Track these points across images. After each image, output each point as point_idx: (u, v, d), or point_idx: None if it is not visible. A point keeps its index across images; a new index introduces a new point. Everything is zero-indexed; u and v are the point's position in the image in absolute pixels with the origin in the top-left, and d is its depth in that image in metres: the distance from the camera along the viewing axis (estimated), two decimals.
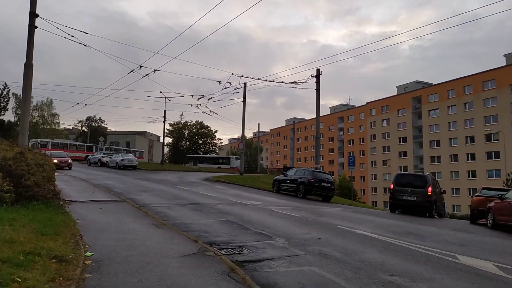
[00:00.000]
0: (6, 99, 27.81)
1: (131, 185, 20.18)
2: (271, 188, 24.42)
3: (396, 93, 79.58)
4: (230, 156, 72.79)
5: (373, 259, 7.16)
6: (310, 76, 27.18)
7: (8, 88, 27.88)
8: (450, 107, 66.15)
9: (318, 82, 27.31)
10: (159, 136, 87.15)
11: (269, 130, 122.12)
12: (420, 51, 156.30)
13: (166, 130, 54.47)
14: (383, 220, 13.80)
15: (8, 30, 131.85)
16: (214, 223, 10.40)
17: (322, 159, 75.70)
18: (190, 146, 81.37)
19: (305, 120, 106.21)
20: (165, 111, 48.90)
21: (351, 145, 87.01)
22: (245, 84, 34.01)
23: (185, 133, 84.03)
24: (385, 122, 78.77)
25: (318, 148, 28.22)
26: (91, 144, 56.82)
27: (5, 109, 28.03)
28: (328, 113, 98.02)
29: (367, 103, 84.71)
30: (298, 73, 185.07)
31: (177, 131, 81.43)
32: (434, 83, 72.91)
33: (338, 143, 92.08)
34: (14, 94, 51.49)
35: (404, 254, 7.83)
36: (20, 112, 22.68)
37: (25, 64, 16.08)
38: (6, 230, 6.30)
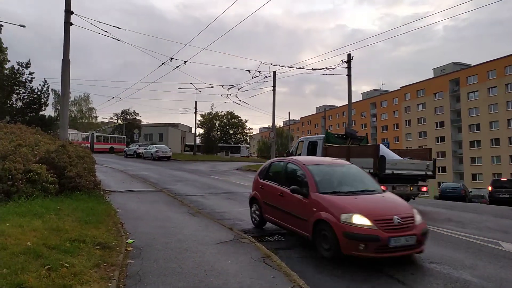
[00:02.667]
0: (46, 95, 28.85)
1: (166, 176, 20.71)
2: None
3: (432, 76, 76.50)
4: (240, 144, 73.69)
5: None
6: (341, 62, 26.54)
7: (47, 84, 28.93)
8: (490, 89, 62.83)
9: (349, 68, 26.66)
10: (191, 127, 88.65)
11: (299, 118, 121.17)
12: (455, 32, 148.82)
13: (197, 121, 55.29)
14: (421, 207, 13.42)
15: (44, 28, 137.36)
16: (248, 211, 10.49)
17: None
18: (221, 136, 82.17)
19: (336, 107, 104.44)
20: (196, 102, 49.55)
21: (385, 131, 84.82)
22: (274, 72, 33.76)
23: (216, 124, 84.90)
24: (420, 106, 76.03)
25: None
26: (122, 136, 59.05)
27: (45, 104, 29.17)
28: (360, 99, 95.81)
29: (401, 87, 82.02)
30: (327, 60, 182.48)
31: (208, 121, 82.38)
32: (472, 64, 69.43)
33: (371, 129, 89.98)
34: (53, 90, 53.71)
35: (443, 241, 7.61)
36: (59, 107, 23.64)
37: (62, 60, 16.73)
38: (53, 219, 6.67)
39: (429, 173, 12.14)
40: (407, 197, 11.54)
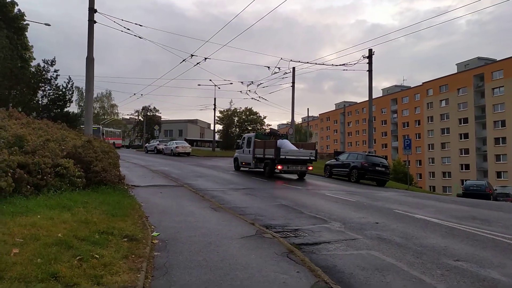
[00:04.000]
0: (70, 92, 29.62)
1: (186, 171, 20.97)
2: (323, 173, 24.19)
3: (456, 71, 74.55)
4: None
5: (435, 244, 6.91)
6: (362, 57, 26.22)
7: (72, 81, 29.71)
8: None
9: (370, 63, 26.31)
10: (210, 124, 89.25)
11: (318, 115, 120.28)
12: (479, 26, 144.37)
13: (216, 117, 55.56)
14: (444, 205, 13.18)
15: (67, 28, 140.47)
16: (268, 206, 10.57)
17: (375, 143, 73.30)
18: (240, 132, 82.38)
19: (356, 103, 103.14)
20: (215, 99, 49.98)
21: (406, 127, 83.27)
22: (293, 68, 33.63)
23: (235, 120, 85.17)
24: (443, 102, 74.26)
25: (371, 132, 27.36)
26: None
27: (70, 101, 29.93)
28: (380, 95, 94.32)
29: (423, 83, 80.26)
30: (347, 56, 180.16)
31: (227, 118, 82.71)
32: (497, 59, 67.25)
33: (392, 126, 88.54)
34: (77, 87, 55.11)
35: (469, 239, 7.46)
36: (83, 104, 24.34)
37: (86, 57, 17.15)
38: (81, 212, 6.88)
39: (312, 158, 19.40)
40: (300, 173, 19.73)
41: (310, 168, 19.83)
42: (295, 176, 20.57)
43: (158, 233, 6.48)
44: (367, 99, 27.77)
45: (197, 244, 5.94)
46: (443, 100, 74.24)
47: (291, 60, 29.98)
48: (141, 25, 19.44)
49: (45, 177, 8.42)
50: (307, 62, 29.17)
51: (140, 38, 19.77)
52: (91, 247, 4.91)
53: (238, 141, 25.75)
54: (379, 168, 20.91)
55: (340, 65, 27.27)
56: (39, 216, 6.08)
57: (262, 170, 20.18)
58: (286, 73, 31.41)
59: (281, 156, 18.31)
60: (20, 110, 17.51)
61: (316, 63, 29.84)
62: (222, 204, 10.40)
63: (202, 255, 5.37)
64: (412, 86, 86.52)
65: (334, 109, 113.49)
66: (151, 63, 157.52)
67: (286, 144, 19.61)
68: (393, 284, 4.80)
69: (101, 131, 42.70)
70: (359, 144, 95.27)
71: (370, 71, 26.35)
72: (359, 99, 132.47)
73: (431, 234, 7.80)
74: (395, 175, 47.23)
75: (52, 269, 3.89)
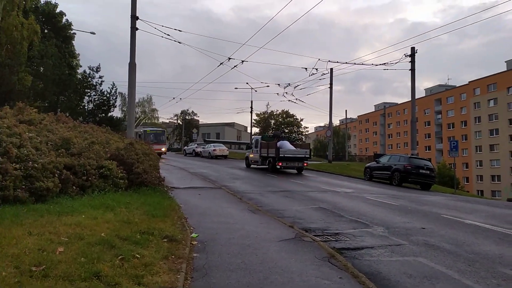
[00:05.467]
0: (114, 97, 30.98)
1: (224, 173, 21.12)
2: (362, 176, 23.50)
3: (505, 69, 70.25)
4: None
5: (489, 251, 6.42)
6: (404, 56, 25.30)
7: (115, 87, 31.11)
8: None
9: (413, 62, 25.31)
10: (246, 127, 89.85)
11: (356, 117, 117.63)
12: None
13: (253, 120, 55.83)
14: (496, 210, 12.34)
15: (110, 36, 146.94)
16: (307, 209, 10.36)
17: (418, 145, 70.53)
18: (283, 135, 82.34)
19: (396, 104, 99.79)
20: (251, 102, 50.34)
21: (451, 129, 79.45)
22: (331, 69, 33.06)
23: (272, 123, 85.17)
24: (492, 102, 70.14)
25: (413, 133, 26.30)
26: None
27: (113, 106, 31.29)
28: (423, 95, 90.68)
29: (469, 82, 76.31)
30: (386, 55, 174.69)
31: (263, 120, 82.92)
32: None
33: (436, 127, 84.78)
34: (120, 93, 57.40)
35: None
36: (126, 108, 25.28)
37: (129, 63, 17.73)
38: (123, 212, 7.03)
39: (307, 156, 22.82)
40: (297, 168, 23.06)
41: (306, 164, 23.36)
42: (332, 179, 20.16)
43: (197, 235, 6.48)
44: (409, 99, 26.76)
45: (235, 246, 5.87)
46: (491, 99, 70.11)
47: (328, 61, 29.45)
48: (180, 31, 19.98)
49: (89, 178, 8.72)
50: (346, 63, 28.62)
51: (179, 43, 20.29)
52: (132, 247, 4.97)
53: (243, 142, 29.47)
54: (423, 171, 19.98)
55: (380, 64, 26.51)
56: (83, 216, 6.27)
57: (267, 166, 23.71)
58: (324, 74, 30.93)
59: (280, 155, 21.77)
60: (67, 115, 18.42)
61: (355, 63, 29.02)
62: (260, 207, 10.31)
63: (241, 257, 5.29)
64: (457, 86, 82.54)
65: (374, 110, 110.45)
66: (189, 68, 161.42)
67: (285, 145, 22.88)
68: None
69: (165, 135, 41.01)
70: (400, 146, 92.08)
71: (412, 70, 25.36)
72: (399, 100, 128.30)
73: (484, 240, 7.28)
74: (440, 178, 45.05)
75: (94, 268, 3.95)
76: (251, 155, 25.87)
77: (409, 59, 25.32)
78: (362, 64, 28.11)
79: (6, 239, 4.39)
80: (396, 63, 25.70)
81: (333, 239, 7.07)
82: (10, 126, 8.18)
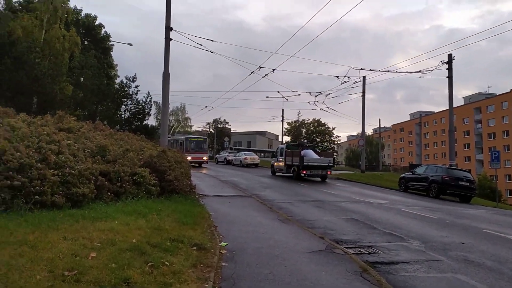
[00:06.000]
0: (149, 106, 31.88)
1: (254, 182, 21.10)
2: (397, 187, 22.76)
3: None
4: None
5: None
6: (441, 63, 24.43)
7: (150, 96, 32.03)
8: None
9: (450, 69, 24.39)
10: (278, 135, 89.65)
11: (390, 126, 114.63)
12: None
13: (284, 129, 55.66)
14: None
15: (145, 47, 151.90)
16: (338, 220, 10.11)
17: (456, 155, 67.61)
18: (313, 144, 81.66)
19: (433, 113, 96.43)
20: (283, 110, 50.04)
21: (492, 139, 75.68)
22: (364, 77, 32.44)
23: (303, 131, 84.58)
24: None
25: (452, 143, 25.20)
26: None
27: (148, 114, 32.19)
28: (462, 103, 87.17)
29: (511, 90, 72.67)
30: (420, 63, 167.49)
31: (294, 129, 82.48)
32: None
33: (475, 137, 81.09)
34: (155, 102, 59.06)
35: None
36: (160, 117, 25.98)
37: (163, 73, 18.18)
38: (155, 219, 7.12)
39: (331, 164, 23.89)
40: (321, 176, 23.71)
41: (329, 172, 23.97)
42: (365, 189, 19.67)
43: (226, 243, 6.46)
44: (445, 108, 25.99)
45: (264, 256, 5.79)
46: None
47: (361, 69, 28.89)
48: (212, 40, 20.23)
49: (123, 185, 8.93)
50: (379, 70, 27.84)
51: (212, 52, 20.52)
52: (162, 254, 5.00)
53: (269, 150, 30.86)
54: (463, 183, 19.07)
55: (416, 72, 25.74)
56: (116, 222, 6.39)
57: (291, 174, 24.07)
58: (356, 82, 30.41)
59: (304, 163, 22.38)
60: (105, 123, 19.08)
61: (388, 71, 28.29)
62: (290, 216, 10.18)
63: (270, 268, 5.20)
64: (498, 94, 78.75)
65: (409, 119, 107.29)
66: (221, 78, 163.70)
67: (309, 154, 23.37)
68: None
69: (206, 143, 37.89)
70: (438, 156, 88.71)
71: (450, 77, 24.44)
72: (435, 109, 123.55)
73: None
74: (480, 191, 42.90)
75: (124, 274, 3.99)
76: (276, 163, 26.88)
77: (446, 66, 24.43)
78: (396, 71, 27.53)
79: (42, 243, 4.54)
80: (432, 70, 24.89)
81: (366, 252, 6.83)
82: (49, 134, 8.54)
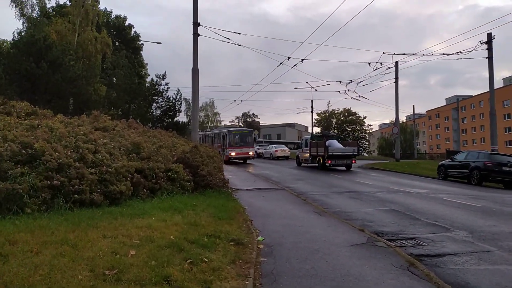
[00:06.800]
0: (179, 103, 32.26)
1: (286, 174, 20.91)
2: (435, 175, 21.88)
3: None
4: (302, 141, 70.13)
5: None
6: (479, 43, 23.12)
7: (180, 92, 32.40)
8: None
9: (490, 49, 23.03)
10: (307, 126, 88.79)
11: (425, 112, 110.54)
12: None
13: (314, 120, 54.97)
14: None
15: (173, 45, 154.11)
16: (376, 212, 9.77)
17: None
18: (338, 134, 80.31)
19: (471, 96, 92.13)
20: (312, 101, 49.55)
21: None
22: (397, 63, 31.33)
23: (333, 122, 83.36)
24: None
25: (493, 127, 23.87)
26: None
27: (179, 111, 32.60)
28: (501, 85, 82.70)
29: None
30: (455, 45, 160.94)
31: (324, 120, 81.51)
32: None
33: None
34: (184, 98, 59.87)
35: None
36: (190, 113, 26.22)
37: (192, 69, 18.24)
38: (190, 215, 7.11)
39: (355, 153, 23.97)
40: (346, 165, 24.24)
41: (354, 161, 24.49)
42: (402, 178, 19.01)
43: (263, 238, 6.34)
44: (483, 91, 24.69)
45: (303, 251, 5.62)
46: None
47: (394, 54, 27.73)
48: (239, 33, 20.10)
49: (158, 181, 9.00)
50: (413, 54, 26.66)
51: (239, 46, 20.41)
52: (200, 250, 4.94)
53: (298, 142, 31.96)
54: (507, 168, 18.02)
55: (452, 54, 24.52)
56: (153, 218, 6.42)
57: (317, 164, 24.92)
58: (389, 67, 29.41)
59: (329, 153, 23.10)
60: (138, 121, 19.45)
61: (424, 54, 27.02)
62: (326, 208, 9.93)
63: (310, 263, 5.03)
64: None
65: (445, 104, 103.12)
66: (249, 72, 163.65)
67: (334, 144, 24.26)
68: None
69: (252, 135, 31.81)
70: (476, 141, 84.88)
71: (490, 58, 23.10)
72: (472, 92, 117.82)
73: None
74: None
75: (165, 272, 3.94)
76: (302, 154, 27.82)
77: (485, 46, 23.10)
78: (432, 54, 26.10)
79: (82, 242, 4.59)
80: (470, 51, 23.61)
81: (409, 244, 6.52)
82: (86, 133, 8.72)
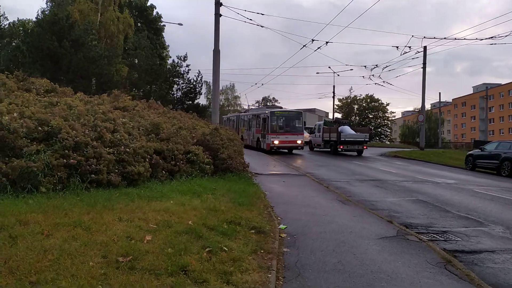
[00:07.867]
0: (200, 85, 31.97)
1: (307, 160, 20.49)
2: (462, 165, 21.00)
3: None
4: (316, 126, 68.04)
5: None
6: None
7: (201, 75, 32.08)
8: None
9: None
10: (328, 112, 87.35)
11: (451, 100, 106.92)
12: None
13: (335, 106, 53.84)
14: None
15: (195, 27, 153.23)
16: (403, 202, 9.30)
17: None
18: (360, 121, 78.72)
19: (499, 85, 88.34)
20: (334, 86, 48.36)
21: None
22: (425, 47, 30.07)
23: (355, 108, 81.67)
24: None
25: None
26: None
27: (199, 93, 32.35)
28: None
29: None
30: (485, 30, 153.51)
31: (346, 106, 79.92)
32: None
33: None
34: (205, 81, 59.58)
35: None
36: (211, 94, 25.81)
37: (213, 50, 17.86)
38: (210, 199, 6.84)
39: (367, 139, 24.67)
40: (357, 151, 24.67)
41: (365, 147, 25.07)
42: (427, 168, 18.31)
43: (285, 226, 6.01)
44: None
45: (329, 242, 5.26)
46: None
47: (424, 37, 26.43)
48: (262, 14, 19.52)
49: (177, 163, 8.76)
50: (444, 38, 25.42)
51: (262, 27, 19.82)
52: (219, 238, 4.66)
53: (311, 127, 31.20)
54: None
55: (486, 38, 23.22)
56: (171, 202, 6.17)
57: (329, 149, 25.54)
58: (418, 52, 28.26)
59: (341, 139, 23.59)
60: (158, 102, 19.30)
61: (456, 38, 25.74)
62: (349, 196, 9.52)
63: (337, 256, 4.67)
64: None
65: (472, 92, 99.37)
66: (270, 56, 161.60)
67: (346, 129, 24.62)
68: None
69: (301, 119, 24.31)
70: (504, 132, 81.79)
71: None
72: (500, 81, 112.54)
73: None
74: None
75: (182, 261, 3.67)
76: (314, 139, 28.44)
77: None
78: (464, 39, 24.96)
79: (96, 225, 4.36)
80: (506, 36, 22.32)
81: (441, 239, 6.08)
82: (105, 112, 8.51)
